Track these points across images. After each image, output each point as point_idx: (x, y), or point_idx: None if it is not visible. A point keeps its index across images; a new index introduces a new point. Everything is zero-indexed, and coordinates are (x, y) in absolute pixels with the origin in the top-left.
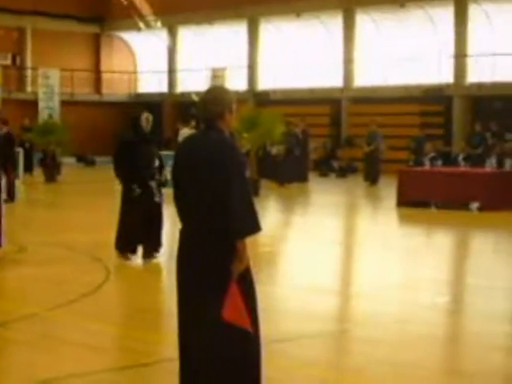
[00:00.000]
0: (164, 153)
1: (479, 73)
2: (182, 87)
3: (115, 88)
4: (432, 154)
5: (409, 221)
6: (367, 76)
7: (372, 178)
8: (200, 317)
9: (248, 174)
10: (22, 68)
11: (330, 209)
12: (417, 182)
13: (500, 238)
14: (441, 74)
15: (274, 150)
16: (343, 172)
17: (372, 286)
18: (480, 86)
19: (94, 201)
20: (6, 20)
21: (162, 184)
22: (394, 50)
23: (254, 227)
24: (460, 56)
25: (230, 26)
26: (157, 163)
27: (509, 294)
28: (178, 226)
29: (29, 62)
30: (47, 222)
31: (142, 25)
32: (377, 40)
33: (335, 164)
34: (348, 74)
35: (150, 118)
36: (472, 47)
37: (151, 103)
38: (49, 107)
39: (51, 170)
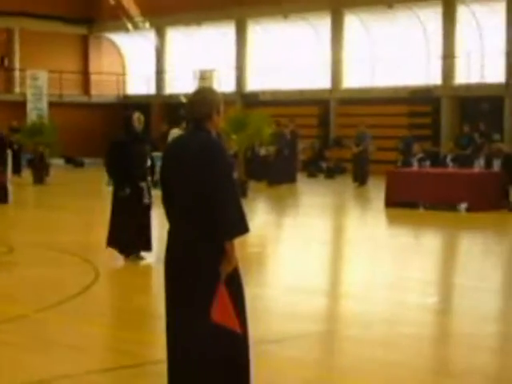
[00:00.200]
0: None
1: (467, 74)
2: (170, 89)
3: (104, 89)
4: (420, 155)
5: (397, 222)
6: (355, 77)
7: (360, 179)
8: (188, 318)
9: (236, 175)
10: (10, 69)
11: (319, 210)
12: (405, 183)
13: (488, 239)
14: (429, 74)
15: (263, 151)
16: (331, 173)
17: (360, 286)
18: (468, 86)
19: (82, 202)
20: None
21: (153, 184)
22: (382, 51)
23: (242, 228)
24: (448, 57)
25: (218, 28)
26: (148, 163)
27: (496, 294)
28: (167, 227)
29: (17, 64)
30: (36, 223)
31: (130, 26)
32: (365, 41)
33: (323, 165)
34: (336, 75)
35: (142, 118)
36: (460, 48)
37: (139, 105)
38: (37, 108)
39: (40, 172)
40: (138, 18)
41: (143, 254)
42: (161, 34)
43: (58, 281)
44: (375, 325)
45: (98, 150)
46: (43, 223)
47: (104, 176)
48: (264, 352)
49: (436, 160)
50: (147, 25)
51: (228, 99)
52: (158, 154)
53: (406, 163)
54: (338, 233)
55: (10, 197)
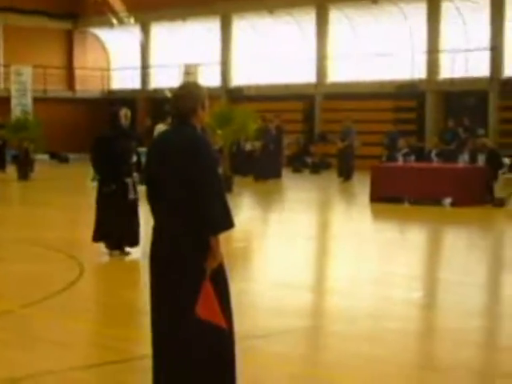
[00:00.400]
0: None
1: (452, 68)
2: (155, 84)
3: (88, 85)
4: (405, 150)
5: (382, 216)
6: (340, 72)
7: (346, 174)
8: (173, 314)
9: (221, 170)
10: None
11: (304, 205)
12: (390, 178)
13: (472, 234)
14: (414, 69)
15: (248, 146)
16: (317, 168)
17: (346, 281)
18: (453, 81)
19: (67, 198)
20: None
21: (140, 181)
22: (367, 45)
23: (228, 223)
24: (433, 52)
25: (203, 23)
26: (134, 159)
27: (481, 289)
28: (152, 222)
29: (1, 59)
30: (21, 219)
31: (115, 21)
32: (350, 36)
33: (309, 160)
34: (321, 70)
35: (129, 113)
36: (445, 43)
37: (124, 100)
38: (21, 104)
39: (24, 167)
40: (123, 14)
41: (128, 249)
42: (146, 30)
43: (43, 277)
44: (360, 320)
45: (83, 146)
46: (28, 219)
47: (89, 172)
48: (249, 347)
49: (421, 155)
50: (132, 20)
51: (213, 94)
52: (142, 150)
53: (391, 158)
54: (323, 228)
55: None
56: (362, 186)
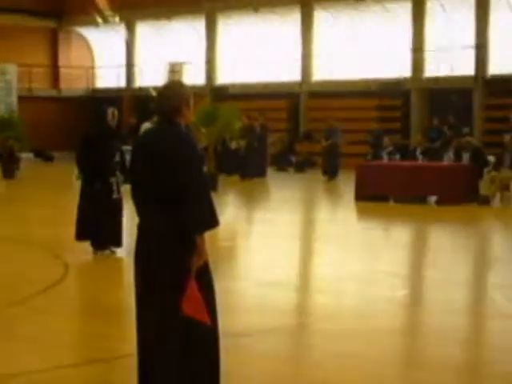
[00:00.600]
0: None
1: (437, 67)
2: (139, 82)
3: (73, 83)
4: (390, 148)
5: (367, 215)
6: (325, 70)
7: (331, 173)
8: (158, 312)
9: (206, 169)
10: None
11: (289, 204)
12: (375, 177)
13: (457, 232)
14: (399, 68)
15: (234, 145)
16: (301, 166)
17: (330, 280)
18: (437, 79)
19: (53, 196)
20: None
21: (124, 180)
22: (351, 44)
23: (213, 222)
24: (418, 50)
25: (188, 21)
26: (117, 158)
27: (465, 287)
28: (136, 220)
29: None
30: (6, 217)
31: (99, 20)
32: (335, 34)
33: (293, 158)
34: (306, 69)
35: (116, 112)
36: (429, 41)
37: (109, 98)
38: (6, 103)
39: (10, 166)
40: (108, 12)
41: (114, 249)
42: (131, 28)
43: (28, 275)
44: (345, 318)
45: (68, 144)
46: (13, 217)
47: (74, 170)
48: (234, 346)
49: (406, 153)
50: (117, 19)
51: (198, 92)
52: (127, 148)
53: (376, 156)
54: (308, 227)
55: None
56: (347, 184)
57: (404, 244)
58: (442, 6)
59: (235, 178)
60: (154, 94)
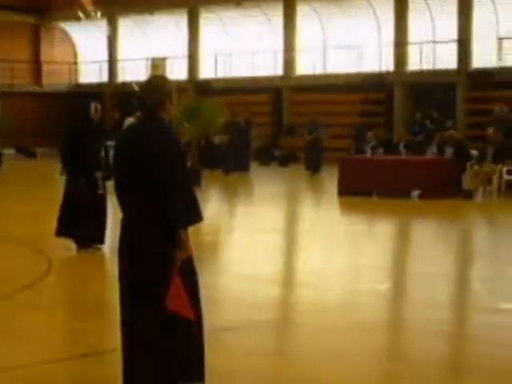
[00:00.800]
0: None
1: (420, 61)
2: (122, 77)
3: (56, 79)
4: (373, 143)
5: (350, 209)
6: (308, 64)
7: (314, 167)
8: (142, 307)
9: (189, 163)
10: None
11: (272, 198)
12: (358, 171)
13: (440, 226)
14: (382, 62)
15: (217, 140)
16: (284, 161)
17: (314, 274)
18: (420, 73)
19: (36, 192)
20: None
21: (107, 176)
22: (334, 38)
23: (196, 216)
24: (401, 44)
25: (170, 16)
26: (102, 153)
27: (448, 280)
28: (120, 215)
29: None
30: None
31: (81, 15)
32: (317, 28)
33: (276, 153)
34: (289, 63)
35: (99, 107)
36: (412, 35)
37: (92, 93)
38: None
39: None
40: (90, 7)
41: (98, 246)
42: (113, 23)
43: (11, 271)
44: (329, 313)
45: (51, 140)
46: None
47: (58, 166)
48: (218, 340)
49: (389, 147)
50: (99, 14)
51: (180, 87)
52: (110, 143)
53: (359, 150)
54: (291, 221)
55: None
56: (330, 178)
57: (387, 238)
58: (424, 0)
59: (218, 173)
60: (136, 88)
